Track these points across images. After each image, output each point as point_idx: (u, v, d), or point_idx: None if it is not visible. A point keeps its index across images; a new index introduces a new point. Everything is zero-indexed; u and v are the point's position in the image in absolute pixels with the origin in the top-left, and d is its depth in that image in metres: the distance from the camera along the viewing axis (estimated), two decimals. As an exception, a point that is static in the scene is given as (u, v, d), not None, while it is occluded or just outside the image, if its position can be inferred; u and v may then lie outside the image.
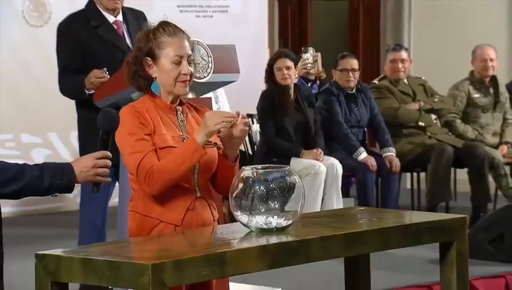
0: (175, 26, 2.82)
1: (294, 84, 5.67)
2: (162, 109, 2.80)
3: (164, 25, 2.81)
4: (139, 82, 2.83)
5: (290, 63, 5.59)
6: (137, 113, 2.75)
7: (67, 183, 2.47)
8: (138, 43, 2.83)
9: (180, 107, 2.84)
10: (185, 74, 2.78)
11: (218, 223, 2.90)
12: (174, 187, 2.73)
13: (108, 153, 2.54)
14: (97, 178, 2.51)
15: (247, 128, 2.74)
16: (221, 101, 6.12)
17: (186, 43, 2.81)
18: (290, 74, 5.58)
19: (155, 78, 2.80)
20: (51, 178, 2.44)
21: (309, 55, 6.02)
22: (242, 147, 6.24)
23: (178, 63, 2.77)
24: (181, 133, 2.79)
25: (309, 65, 6.00)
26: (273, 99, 5.60)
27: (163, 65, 2.78)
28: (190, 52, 2.81)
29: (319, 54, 6.12)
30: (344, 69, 5.99)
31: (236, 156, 2.81)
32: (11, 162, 2.48)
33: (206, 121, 2.71)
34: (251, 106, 6.56)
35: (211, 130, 2.71)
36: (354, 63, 6.02)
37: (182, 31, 2.83)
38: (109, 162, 2.53)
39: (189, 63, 2.81)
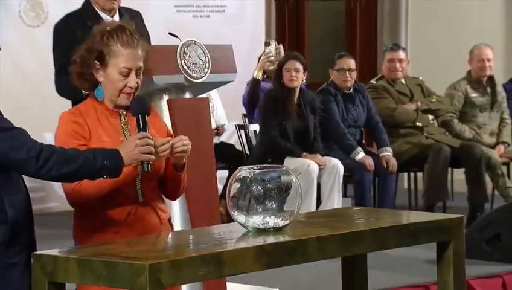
0: (131, 33, 2.75)
1: (300, 89, 5.68)
2: (103, 113, 2.76)
3: (120, 31, 2.73)
4: (84, 84, 2.78)
5: (300, 66, 5.60)
6: (72, 122, 2.71)
7: (116, 167, 2.57)
8: (90, 43, 2.75)
9: (124, 111, 2.79)
10: (130, 87, 2.74)
11: (170, 224, 2.88)
12: (113, 193, 2.71)
13: (147, 134, 2.64)
14: (143, 156, 2.61)
15: (185, 148, 2.72)
16: (214, 100, 6.11)
17: (139, 54, 2.74)
18: (298, 77, 5.59)
19: (100, 82, 2.76)
20: (103, 160, 2.55)
21: (271, 48, 6.00)
22: (239, 147, 6.25)
23: (126, 75, 2.73)
24: (121, 139, 2.74)
25: (272, 58, 5.96)
26: (277, 100, 5.61)
27: (110, 74, 2.73)
28: (141, 65, 2.75)
29: (281, 46, 6.11)
30: (341, 68, 5.99)
31: (183, 165, 2.79)
32: None
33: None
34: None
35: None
36: (351, 62, 6.02)
37: (138, 39, 2.75)
38: (150, 141, 2.62)
39: (138, 75, 2.75)
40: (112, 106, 2.78)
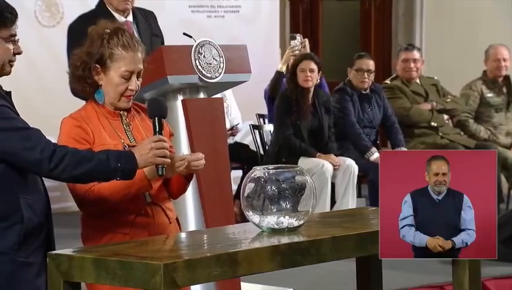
0: (131, 36, 2.74)
1: (314, 88, 5.68)
2: (104, 116, 2.76)
3: (120, 33, 2.71)
4: (85, 88, 2.76)
5: (314, 66, 5.61)
6: (76, 127, 2.70)
7: (130, 168, 2.57)
8: (90, 47, 2.72)
9: (125, 112, 2.79)
10: (131, 90, 2.73)
11: (178, 223, 2.88)
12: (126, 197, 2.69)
13: (163, 137, 2.64)
14: (157, 159, 2.60)
15: (201, 166, 2.73)
16: (229, 100, 6.12)
17: (140, 57, 2.73)
18: (312, 77, 5.60)
19: (100, 85, 2.75)
20: (116, 162, 2.55)
21: (297, 42, 6.00)
22: (253, 147, 6.25)
23: (127, 79, 2.71)
24: (122, 141, 2.73)
25: (297, 52, 5.95)
26: (291, 100, 5.61)
27: (111, 77, 2.72)
28: (141, 67, 2.74)
29: (307, 40, 6.11)
30: (359, 69, 5.99)
31: (191, 174, 2.79)
32: None
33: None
34: (262, 106, 6.56)
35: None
36: (370, 64, 6.03)
37: (137, 41, 2.74)
38: (166, 144, 2.61)
39: (138, 77, 2.74)
40: (112, 108, 2.77)
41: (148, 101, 2.79)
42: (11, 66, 2.63)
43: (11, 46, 2.61)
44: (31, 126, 2.57)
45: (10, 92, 2.66)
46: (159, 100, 2.76)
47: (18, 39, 2.64)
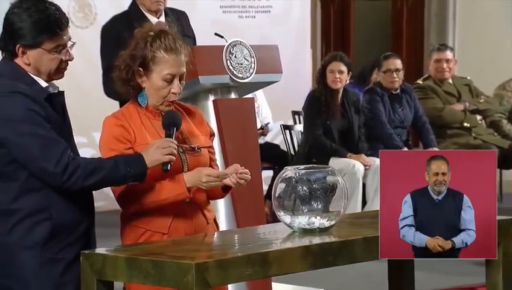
0: (174, 38, 2.74)
1: (343, 88, 5.67)
2: (146, 115, 2.77)
3: (163, 36, 2.72)
4: (129, 91, 2.78)
5: (344, 68, 5.60)
6: (117, 126, 2.72)
7: (140, 172, 2.60)
8: (133, 50, 2.74)
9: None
10: (174, 93, 2.74)
11: (216, 224, 2.87)
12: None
13: (171, 139, 2.66)
14: (164, 157, 2.63)
15: (243, 181, 2.74)
16: (260, 100, 6.13)
17: (183, 60, 2.73)
18: (342, 78, 5.59)
19: (144, 88, 2.76)
20: (125, 168, 2.58)
21: None
22: (284, 147, 6.25)
23: (169, 82, 2.72)
24: None
25: None
26: (320, 100, 5.61)
27: (154, 81, 2.73)
28: (184, 70, 2.74)
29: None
30: (388, 70, 5.96)
31: (229, 188, 2.79)
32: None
33: (201, 177, 2.67)
34: (293, 106, 6.56)
35: (199, 186, 2.70)
36: (398, 63, 5.99)
37: (181, 44, 2.74)
38: (172, 144, 2.64)
39: (181, 80, 2.75)
40: (154, 108, 2.79)
41: (164, 114, 2.77)
42: (61, 72, 2.69)
43: (58, 56, 2.64)
44: (52, 135, 2.57)
45: (63, 91, 2.70)
46: (173, 112, 2.76)
47: (72, 44, 2.67)
